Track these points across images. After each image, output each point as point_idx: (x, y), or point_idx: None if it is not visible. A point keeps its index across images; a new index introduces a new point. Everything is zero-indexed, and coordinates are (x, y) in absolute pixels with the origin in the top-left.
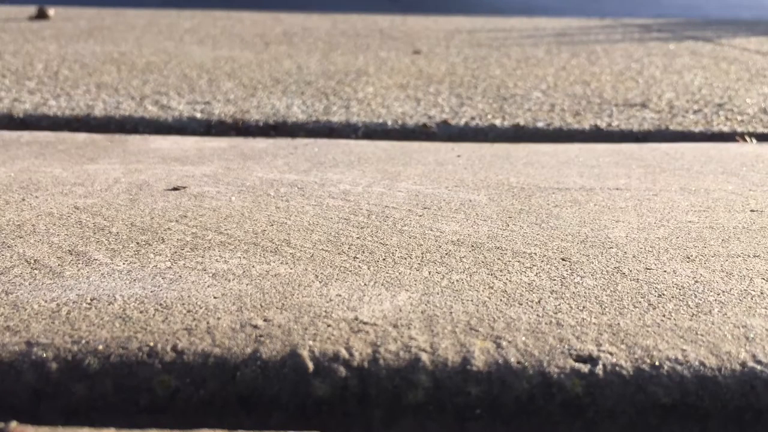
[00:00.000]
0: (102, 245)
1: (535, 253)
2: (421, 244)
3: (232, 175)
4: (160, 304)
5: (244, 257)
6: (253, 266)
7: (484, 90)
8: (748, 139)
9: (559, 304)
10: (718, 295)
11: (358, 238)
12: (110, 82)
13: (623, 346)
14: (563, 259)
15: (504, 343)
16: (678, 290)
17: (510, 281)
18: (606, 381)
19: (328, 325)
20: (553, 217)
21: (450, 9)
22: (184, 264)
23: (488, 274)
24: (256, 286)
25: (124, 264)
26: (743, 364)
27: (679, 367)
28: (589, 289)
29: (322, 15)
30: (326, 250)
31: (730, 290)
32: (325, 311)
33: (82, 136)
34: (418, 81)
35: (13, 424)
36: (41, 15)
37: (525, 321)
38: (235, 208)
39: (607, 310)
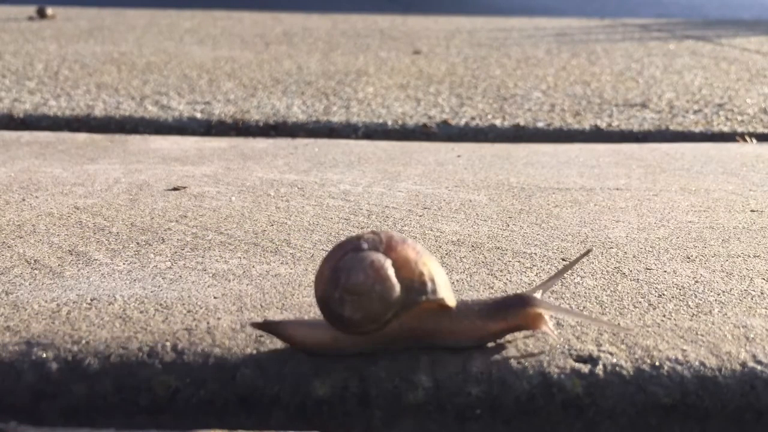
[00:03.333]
0: (102, 245)
1: (535, 253)
2: (422, 244)
3: (232, 175)
4: (161, 304)
5: (244, 257)
6: (253, 266)
7: (484, 90)
8: (748, 139)
9: (559, 304)
10: (718, 295)
11: None
12: (110, 83)
13: (623, 346)
14: (563, 259)
15: (504, 343)
16: (678, 290)
17: (510, 281)
18: (606, 381)
19: None
20: (553, 217)
21: (450, 9)
22: (184, 264)
23: (488, 274)
24: (256, 286)
25: (124, 264)
26: (743, 364)
27: (679, 367)
28: (589, 289)
29: (322, 15)
30: (326, 250)
31: (730, 290)
32: None
33: (82, 136)
34: (418, 81)
35: (13, 424)
36: (41, 15)
37: None
38: (235, 208)
39: (607, 310)
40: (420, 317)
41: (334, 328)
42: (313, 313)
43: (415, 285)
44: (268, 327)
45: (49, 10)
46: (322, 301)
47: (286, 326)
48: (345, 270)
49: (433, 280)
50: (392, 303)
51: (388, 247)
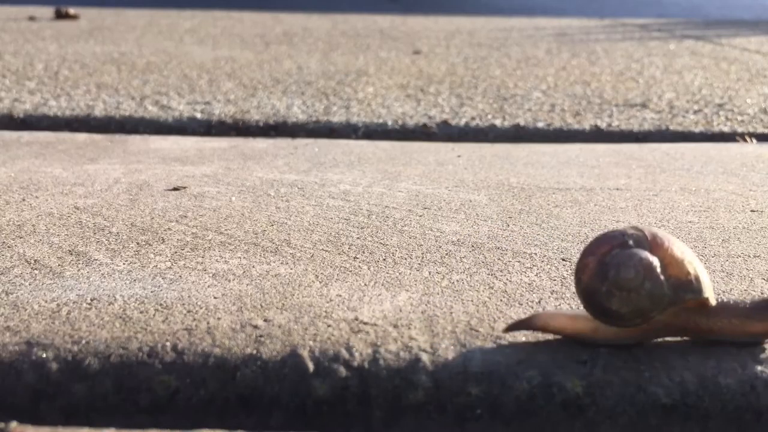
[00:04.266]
0: (102, 245)
1: (535, 253)
2: (422, 245)
3: (232, 175)
4: (161, 305)
5: (244, 257)
6: (253, 266)
7: (485, 90)
8: (748, 139)
9: (560, 304)
10: (719, 295)
11: (358, 238)
12: (110, 83)
13: (623, 346)
14: (563, 259)
15: (504, 343)
16: None
17: (510, 281)
18: (606, 381)
19: (329, 326)
20: (554, 217)
21: (450, 9)
22: (184, 264)
23: (488, 274)
24: (256, 286)
25: (124, 264)
26: (743, 365)
27: (679, 368)
28: None
29: (322, 15)
30: (326, 250)
31: (731, 290)
32: (326, 311)
33: (82, 137)
34: (418, 81)
35: (13, 424)
36: (59, 15)
37: None
38: (236, 208)
39: None
40: (678, 314)
41: (597, 319)
42: (313, 313)
43: (683, 283)
44: (521, 325)
45: (72, 10)
46: (587, 292)
47: (539, 318)
48: (614, 265)
49: (698, 279)
50: (660, 300)
51: (654, 245)
